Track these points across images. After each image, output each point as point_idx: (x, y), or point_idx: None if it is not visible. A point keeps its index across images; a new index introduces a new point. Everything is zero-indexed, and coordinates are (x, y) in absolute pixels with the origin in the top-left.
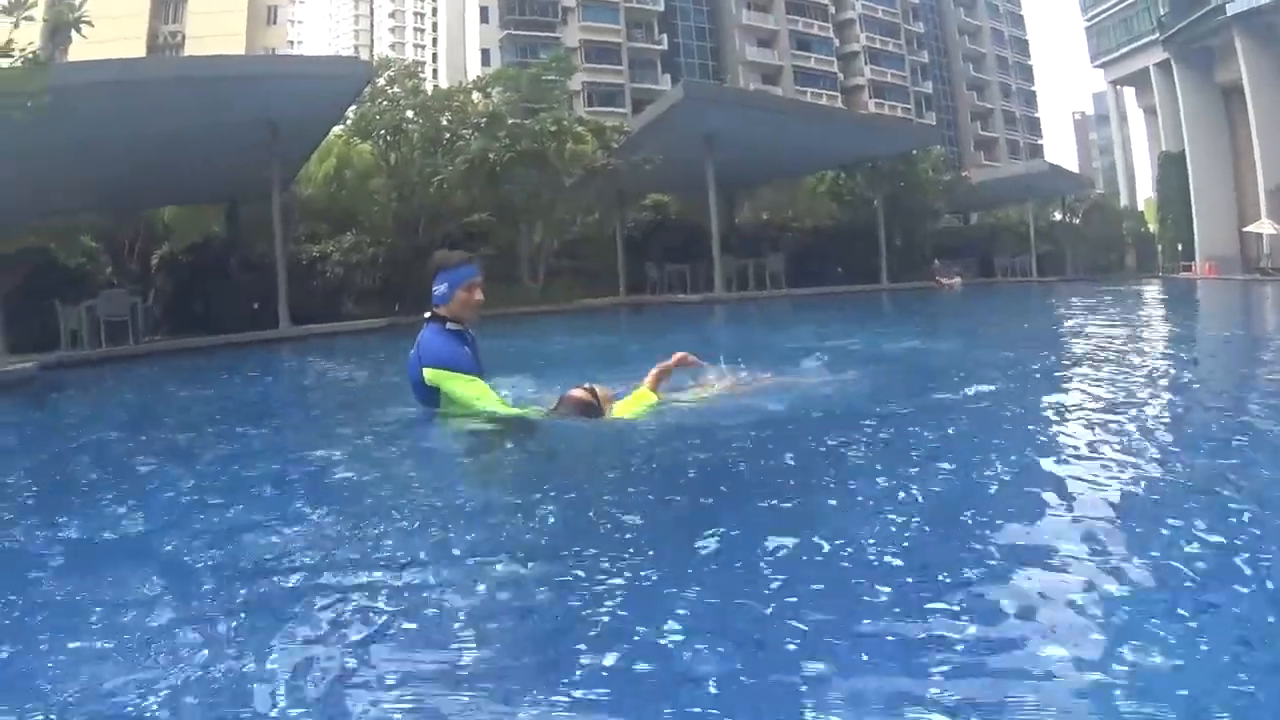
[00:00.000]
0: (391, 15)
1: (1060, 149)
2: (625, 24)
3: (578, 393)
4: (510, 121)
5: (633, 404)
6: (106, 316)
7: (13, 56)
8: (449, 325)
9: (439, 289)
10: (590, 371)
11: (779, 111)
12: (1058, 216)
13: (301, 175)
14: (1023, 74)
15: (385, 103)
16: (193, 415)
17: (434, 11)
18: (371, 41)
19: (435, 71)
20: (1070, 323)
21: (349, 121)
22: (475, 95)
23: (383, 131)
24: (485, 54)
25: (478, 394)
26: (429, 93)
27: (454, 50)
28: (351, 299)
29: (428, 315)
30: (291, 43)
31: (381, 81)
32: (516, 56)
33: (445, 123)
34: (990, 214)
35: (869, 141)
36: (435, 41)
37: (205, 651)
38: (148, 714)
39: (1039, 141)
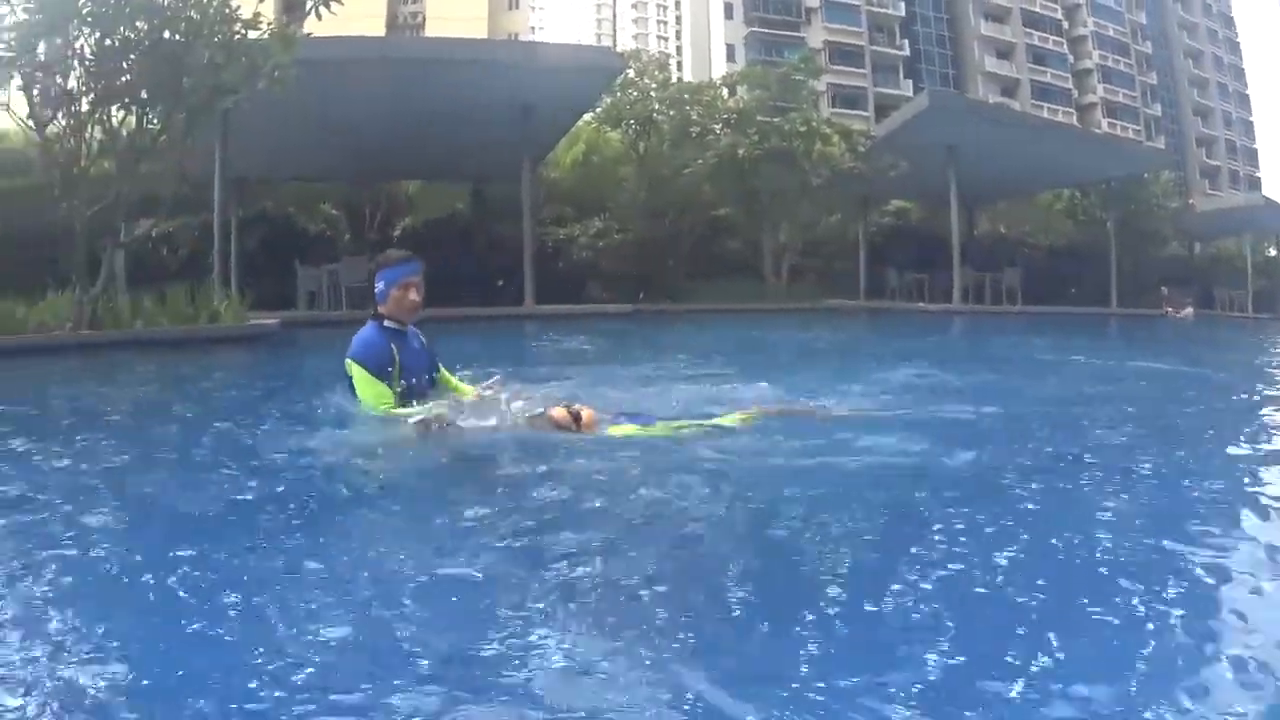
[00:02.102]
0: (634, 6)
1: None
2: (868, 27)
3: (557, 412)
4: (759, 119)
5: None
6: (348, 282)
7: (261, 30)
8: (386, 323)
9: (378, 287)
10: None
11: (1020, 125)
12: (1273, 252)
13: (550, 159)
14: (1241, 103)
15: (635, 93)
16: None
17: (676, 4)
18: (614, 31)
19: (679, 65)
20: None
21: (599, 110)
22: (724, 91)
23: (632, 121)
24: (730, 50)
25: (375, 395)
26: (678, 86)
27: (698, 45)
28: (597, 283)
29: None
30: (533, 29)
31: (631, 73)
32: (760, 54)
33: (695, 116)
34: (1211, 244)
35: (1104, 161)
36: (678, 35)
37: None
38: None
39: (1256, 174)
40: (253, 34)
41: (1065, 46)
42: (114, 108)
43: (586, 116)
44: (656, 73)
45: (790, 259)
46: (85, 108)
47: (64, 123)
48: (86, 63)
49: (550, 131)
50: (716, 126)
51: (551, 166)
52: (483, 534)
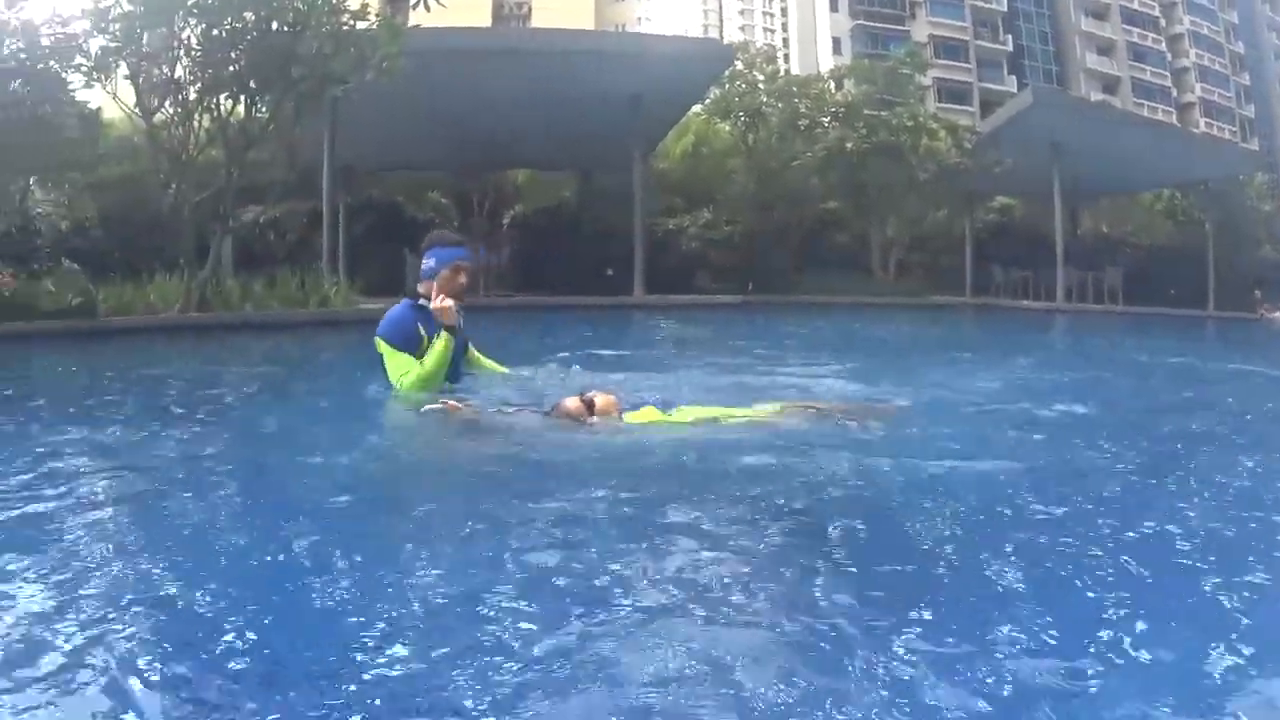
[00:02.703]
0: None
1: None
2: (971, 22)
3: (570, 402)
4: (866, 112)
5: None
6: None
7: (369, 20)
8: (421, 302)
9: (427, 263)
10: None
11: (1122, 123)
12: None
13: (659, 150)
14: None
15: (743, 85)
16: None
17: None
18: (720, 22)
19: (786, 57)
20: None
21: (708, 101)
22: (831, 84)
23: (741, 113)
24: (836, 43)
25: (400, 367)
26: (786, 79)
27: (805, 38)
28: (706, 274)
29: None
30: (639, 19)
31: (740, 65)
32: (866, 47)
33: (804, 109)
34: None
35: (1202, 162)
36: (784, 27)
37: None
38: None
39: None
40: (360, 25)
41: (1164, 44)
42: (222, 96)
43: (696, 108)
44: (765, 65)
45: (897, 254)
46: (192, 96)
47: (171, 111)
48: (193, 53)
49: (660, 122)
50: (825, 120)
51: (661, 157)
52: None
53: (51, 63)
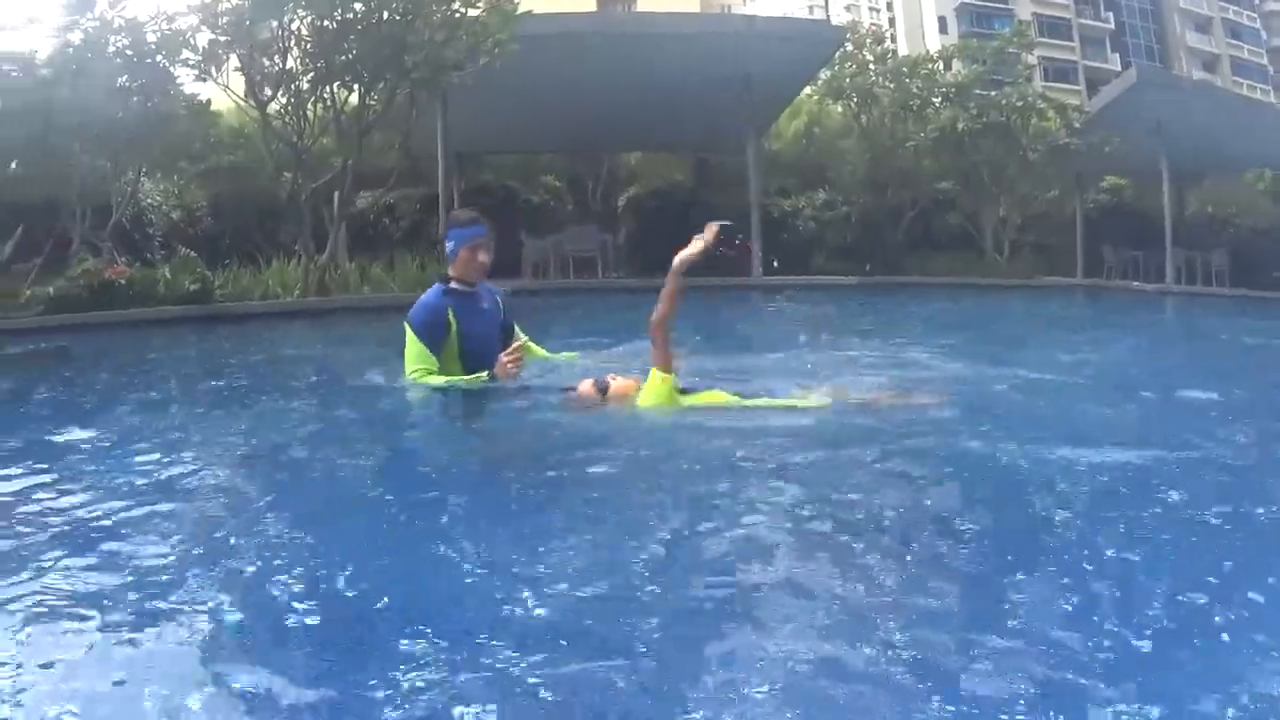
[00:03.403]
0: None
1: None
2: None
3: (583, 386)
4: (976, 92)
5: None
6: (574, 251)
7: (479, 7)
8: (453, 285)
9: (447, 246)
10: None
11: (1224, 102)
12: None
13: (772, 131)
14: None
15: (853, 66)
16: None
17: None
18: (826, 3)
19: (892, 37)
20: None
21: (819, 82)
22: (940, 64)
23: (853, 94)
24: (941, 22)
25: (414, 358)
26: (896, 59)
27: (910, 17)
28: (823, 254)
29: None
30: (745, 1)
31: (850, 45)
32: (971, 26)
33: (915, 90)
34: None
35: None
36: (889, 7)
37: None
38: None
39: None
40: (471, 12)
41: (1259, 22)
42: (334, 85)
43: (808, 89)
44: (875, 46)
45: (1009, 234)
46: (305, 86)
47: (284, 101)
48: (304, 43)
49: (772, 104)
50: (936, 100)
51: (773, 138)
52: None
53: (159, 57)
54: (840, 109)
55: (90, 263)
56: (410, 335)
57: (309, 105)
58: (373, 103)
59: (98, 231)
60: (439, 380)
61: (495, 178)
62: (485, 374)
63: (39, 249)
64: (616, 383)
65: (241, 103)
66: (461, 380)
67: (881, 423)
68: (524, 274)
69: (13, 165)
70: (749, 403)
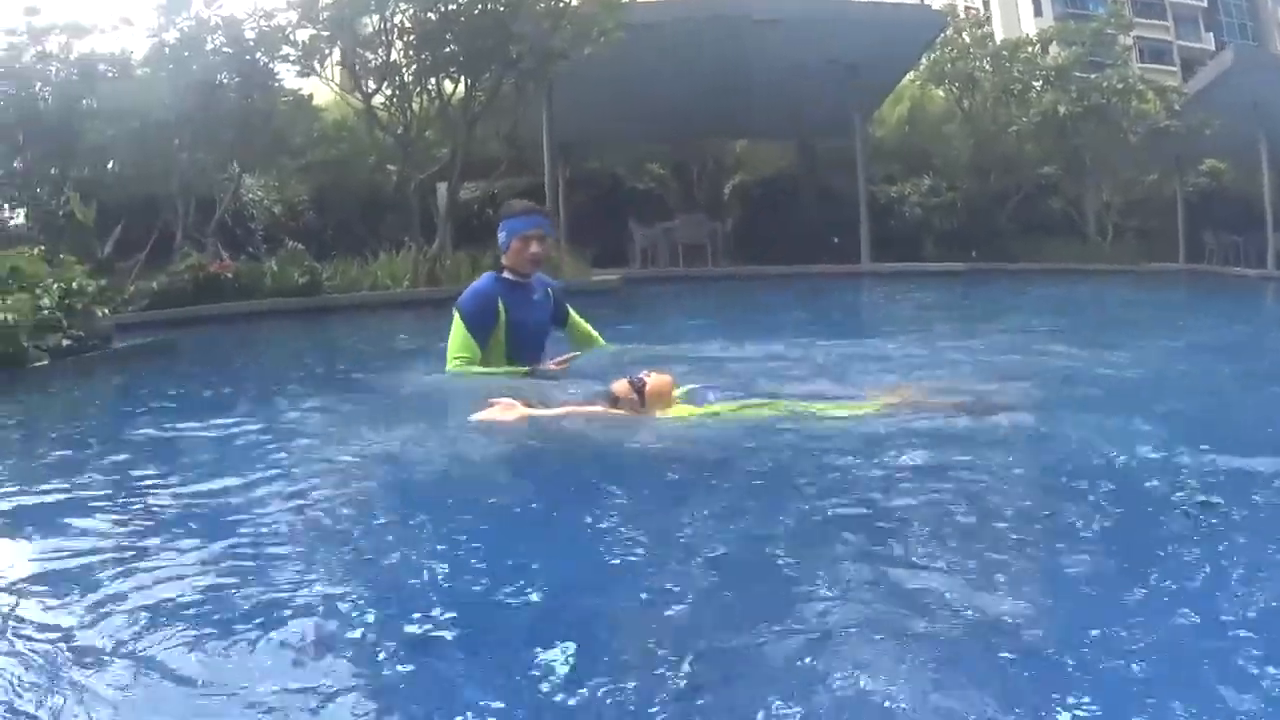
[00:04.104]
0: None
1: None
2: None
3: (617, 386)
4: (1076, 75)
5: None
6: (684, 239)
7: None
8: (505, 274)
9: (500, 236)
10: None
11: None
12: None
13: (875, 117)
14: None
15: (954, 51)
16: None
17: None
18: None
19: (988, 20)
20: None
21: (920, 67)
22: (1039, 47)
23: (954, 79)
24: (1036, 3)
25: (456, 348)
26: (996, 43)
27: (1005, 0)
28: (930, 241)
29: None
30: None
31: (950, 30)
32: (1066, 8)
33: (1016, 73)
34: None
35: None
36: None
37: None
38: None
39: None
40: (575, 1)
41: None
42: (439, 77)
43: (909, 75)
44: (974, 30)
45: (1111, 219)
46: (408, 78)
47: (389, 93)
48: (407, 36)
49: (876, 89)
50: (1036, 84)
51: (876, 124)
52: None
53: (259, 54)
54: (942, 94)
55: (194, 258)
56: (457, 322)
57: (414, 97)
58: (478, 94)
59: (201, 227)
60: (479, 371)
61: (601, 166)
62: (526, 369)
63: (139, 246)
64: (652, 379)
65: (344, 96)
66: (500, 372)
67: (946, 427)
68: (632, 261)
69: (110, 165)
70: (818, 409)
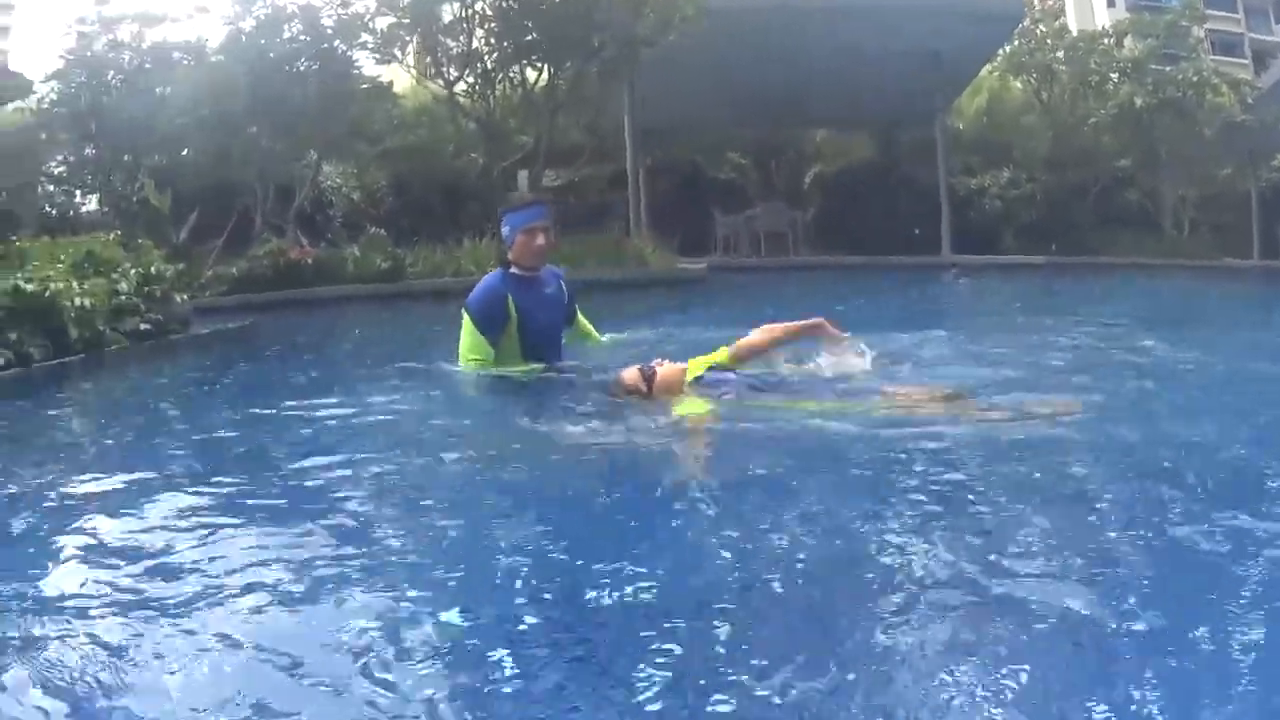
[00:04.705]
0: None
1: None
2: None
3: (628, 374)
4: (1152, 68)
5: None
6: (766, 228)
7: None
8: (513, 270)
9: (503, 231)
10: None
11: None
12: None
13: (953, 108)
14: None
15: (1032, 42)
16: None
17: None
18: None
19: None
20: None
21: (999, 59)
22: (1114, 40)
23: (1033, 71)
24: None
25: (467, 348)
26: (1074, 34)
27: None
28: (1010, 233)
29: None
30: None
31: (1027, 21)
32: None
33: (1093, 65)
34: None
35: None
36: None
37: None
38: None
39: None
40: None
41: None
42: (522, 64)
43: (988, 66)
44: (1052, 21)
45: (1189, 213)
46: (490, 66)
47: (470, 81)
48: (488, 24)
49: (956, 80)
50: (1114, 76)
51: (955, 116)
52: None
53: (337, 41)
54: (1020, 85)
55: (274, 243)
56: (466, 323)
57: (495, 85)
58: (560, 82)
59: (280, 213)
60: (492, 372)
61: (682, 154)
62: (540, 366)
63: (214, 232)
64: (663, 368)
65: (424, 83)
66: (515, 372)
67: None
68: (714, 250)
69: (184, 152)
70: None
